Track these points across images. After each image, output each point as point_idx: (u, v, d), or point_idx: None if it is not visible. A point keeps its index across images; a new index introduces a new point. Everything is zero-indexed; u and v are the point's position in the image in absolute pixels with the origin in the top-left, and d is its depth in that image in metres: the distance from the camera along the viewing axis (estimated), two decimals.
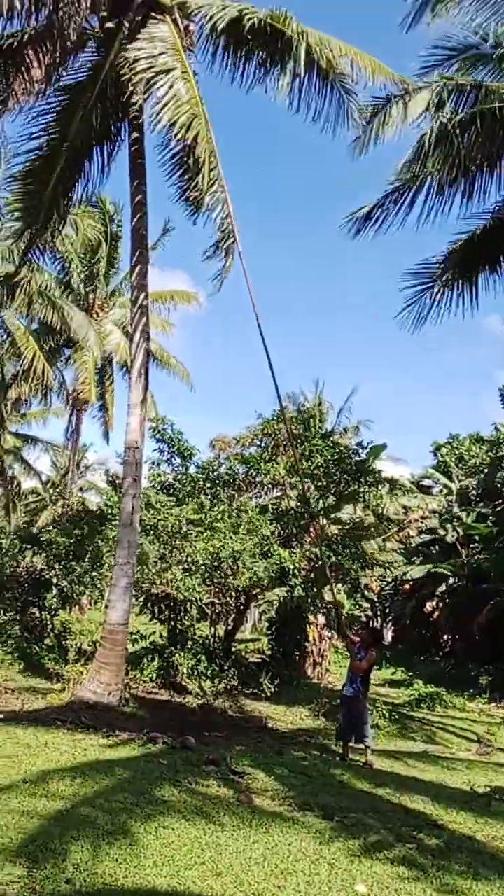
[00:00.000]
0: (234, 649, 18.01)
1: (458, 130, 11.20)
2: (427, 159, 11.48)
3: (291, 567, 16.09)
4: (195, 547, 15.05)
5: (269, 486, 18.55)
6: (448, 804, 6.99)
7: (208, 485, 18.49)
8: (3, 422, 27.30)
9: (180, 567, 15.36)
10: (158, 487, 18.78)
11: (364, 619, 39.58)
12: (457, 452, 32.46)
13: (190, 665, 15.20)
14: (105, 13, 12.25)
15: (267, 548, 15.66)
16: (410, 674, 24.48)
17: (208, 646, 16.54)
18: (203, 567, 15.10)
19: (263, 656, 19.43)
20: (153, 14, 11.47)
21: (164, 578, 15.19)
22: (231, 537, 15.13)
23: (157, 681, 14.69)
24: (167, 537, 15.60)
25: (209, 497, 17.83)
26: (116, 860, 4.36)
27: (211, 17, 11.22)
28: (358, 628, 11.56)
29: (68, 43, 11.96)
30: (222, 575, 15.30)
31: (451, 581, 28.39)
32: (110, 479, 30.34)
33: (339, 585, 21.96)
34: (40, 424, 36.74)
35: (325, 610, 19.59)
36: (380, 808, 6.55)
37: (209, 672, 15.29)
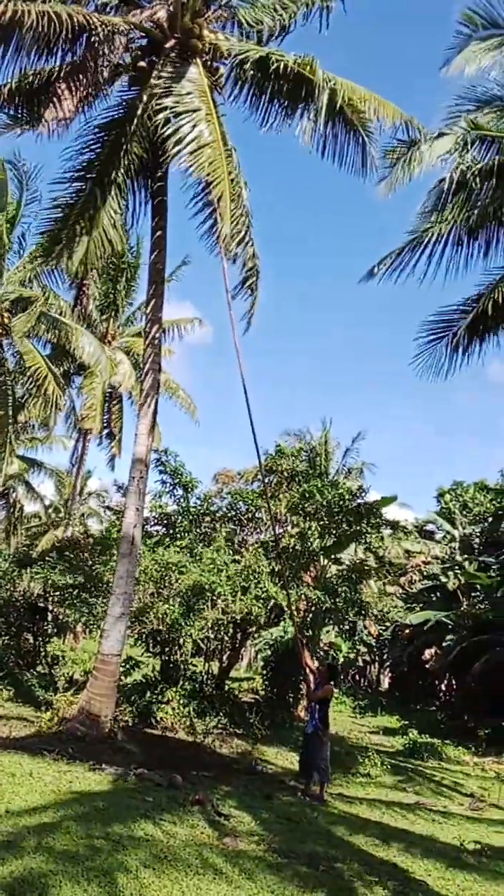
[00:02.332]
0: (227, 687, 17.73)
1: (477, 179, 11.38)
2: (445, 206, 11.63)
3: (285, 606, 15.92)
4: (183, 579, 14.94)
5: (269, 523, 18.48)
6: (437, 859, 6.82)
7: (207, 518, 18.43)
8: (11, 445, 27.37)
9: (171, 599, 15.23)
10: (159, 518, 18.74)
11: (361, 663, 39.16)
12: (461, 499, 32.28)
13: (181, 701, 14.97)
14: (139, 52, 12.66)
15: (257, 583, 15.44)
16: (405, 722, 24.03)
17: (201, 682, 16.31)
18: (189, 597, 14.94)
19: (257, 696, 19.13)
20: (184, 55, 11.85)
21: (156, 611, 15.05)
22: (219, 570, 14.99)
23: (147, 715, 14.46)
24: (160, 571, 15.48)
25: (208, 531, 17.76)
26: None
27: (240, 60, 11.56)
28: (318, 667, 11.77)
29: (101, 79, 12.35)
30: (208, 605, 15.06)
31: (450, 630, 28.04)
32: (105, 507, 30.21)
33: (335, 628, 21.74)
34: (47, 449, 36.81)
35: (321, 654, 19.35)
36: (366, 859, 6.40)
37: (200, 709, 15.05)
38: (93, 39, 11.75)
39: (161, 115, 10.67)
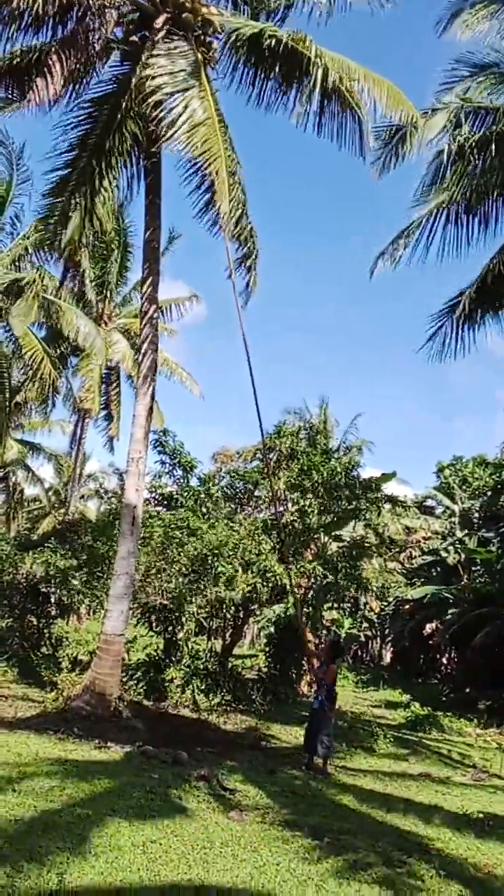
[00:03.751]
0: (230, 664, 17.86)
1: (474, 151, 11.23)
2: (444, 179, 11.49)
3: (286, 583, 15.97)
4: (184, 549, 14.97)
5: (270, 500, 18.54)
6: (441, 828, 6.90)
7: (208, 498, 18.46)
8: (8, 428, 27.29)
9: (172, 573, 15.28)
10: (159, 499, 18.76)
11: (363, 638, 39.50)
12: (460, 474, 32.33)
13: (184, 679, 15.08)
14: (130, 26, 12.39)
15: (258, 554, 15.44)
16: (408, 695, 24.24)
17: (204, 660, 16.42)
18: (190, 568, 14.96)
19: (260, 673, 19.28)
20: (176, 29, 11.60)
21: (157, 586, 15.10)
22: (222, 544, 15.02)
23: (151, 693, 14.57)
24: (161, 545, 15.51)
25: (208, 510, 17.78)
26: (101, 873, 4.31)
27: (233, 34, 11.32)
28: (319, 643, 11.97)
29: (92, 53, 12.08)
30: (209, 574, 15.07)
31: (451, 604, 28.23)
32: (98, 491, 30.21)
33: (337, 606, 21.86)
34: (45, 433, 36.75)
35: (324, 631, 19.46)
36: (371, 829, 6.47)
37: (204, 686, 15.17)
38: (83, 13, 11.48)
39: (153, 98, 10.40)
